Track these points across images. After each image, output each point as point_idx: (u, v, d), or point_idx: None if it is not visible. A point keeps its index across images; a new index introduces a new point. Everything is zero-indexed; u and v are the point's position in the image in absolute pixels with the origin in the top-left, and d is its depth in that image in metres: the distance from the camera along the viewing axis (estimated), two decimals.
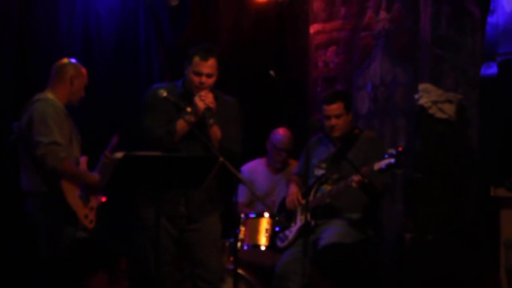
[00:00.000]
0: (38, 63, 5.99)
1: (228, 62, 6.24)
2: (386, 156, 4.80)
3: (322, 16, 6.93)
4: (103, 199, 4.96)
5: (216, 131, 4.67)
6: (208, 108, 4.60)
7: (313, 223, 5.11)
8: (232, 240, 5.39)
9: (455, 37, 5.83)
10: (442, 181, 5.60)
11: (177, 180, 4.21)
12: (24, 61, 6.07)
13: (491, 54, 5.76)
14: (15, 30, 6.02)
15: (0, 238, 5.76)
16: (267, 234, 5.45)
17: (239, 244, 5.40)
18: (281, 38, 7.03)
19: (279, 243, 5.31)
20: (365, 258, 3.10)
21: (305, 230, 4.90)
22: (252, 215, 5.56)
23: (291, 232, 5.26)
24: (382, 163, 4.79)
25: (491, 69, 5.75)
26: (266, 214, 5.50)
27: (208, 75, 4.69)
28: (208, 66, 4.69)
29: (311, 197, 5.15)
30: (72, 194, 4.74)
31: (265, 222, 5.49)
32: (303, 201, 5.15)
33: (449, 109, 5.63)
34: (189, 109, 4.65)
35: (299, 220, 5.23)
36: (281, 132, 6.11)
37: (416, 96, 5.68)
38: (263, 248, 5.44)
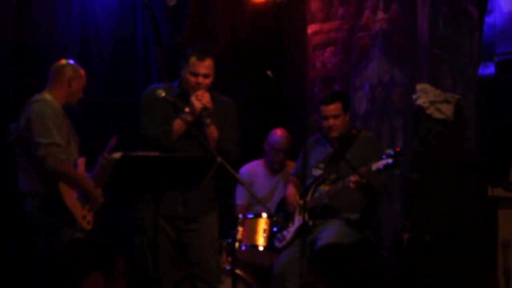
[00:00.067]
0: (35, 64, 5.98)
1: (226, 63, 6.24)
2: (384, 156, 4.81)
3: (319, 17, 6.93)
4: (101, 200, 4.96)
5: (213, 131, 4.67)
6: (205, 108, 4.61)
7: (311, 223, 5.11)
8: (230, 240, 5.39)
9: (452, 37, 5.83)
10: (440, 181, 5.59)
11: (175, 181, 4.21)
12: (21, 61, 6.06)
13: (488, 54, 5.76)
14: (12, 31, 6.02)
15: None
16: (265, 235, 5.45)
17: (237, 244, 5.41)
18: (279, 39, 7.03)
19: (277, 244, 5.31)
20: (363, 258, 3.11)
21: (303, 231, 4.91)
22: (250, 216, 5.56)
23: (289, 232, 5.26)
24: (380, 164, 4.80)
25: (489, 69, 5.75)
26: (264, 215, 5.50)
27: (205, 76, 4.69)
28: (205, 66, 4.69)
29: (309, 198, 5.15)
30: (70, 195, 4.74)
31: (263, 223, 5.49)
32: (301, 202, 5.15)
33: (447, 109, 5.63)
34: (187, 109, 4.65)
35: (297, 221, 5.23)
36: (278, 133, 6.10)
37: (414, 96, 5.68)
38: (261, 248, 5.44)
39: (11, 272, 5.69)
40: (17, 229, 5.53)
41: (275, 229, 5.38)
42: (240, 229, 5.49)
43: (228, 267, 5.34)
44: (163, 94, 4.67)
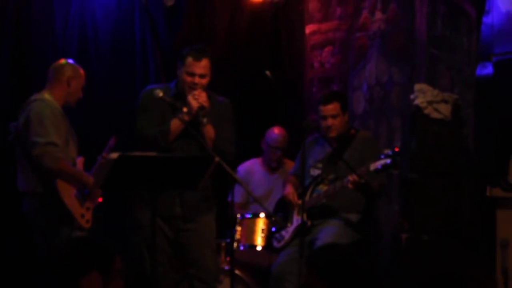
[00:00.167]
0: (35, 64, 5.98)
1: (224, 63, 6.24)
2: (382, 156, 4.81)
3: (317, 17, 6.93)
4: (100, 199, 4.96)
5: (209, 130, 4.67)
6: (201, 107, 4.61)
7: (309, 223, 5.11)
8: (228, 240, 5.39)
9: (450, 37, 5.84)
10: (438, 181, 5.60)
11: (173, 181, 4.21)
12: (21, 61, 6.06)
13: (486, 54, 5.76)
14: (12, 31, 6.01)
15: None
16: (263, 235, 5.45)
17: (235, 244, 5.41)
18: (277, 39, 7.03)
19: (275, 244, 5.31)
20: (361, 258, 3.11)
21: (301, 231, 4.90)
22: (248, 215, 5.56)
23: (288, 232, 5.26)
24: (378, 164, 4.80)
25: (487, 69, 5.75)
26: (262, 215, 5.50)
27: (201, 76, 4.69)
28: (201, 66, 4.69)
29: (307, 198, 5.15)
30: (68, 194, 4.74)
31: (261, 223, 5.49)
32: (299, 202, 5.15)
33: (445, 109, 5.64)
34: (185, 109, 4.65)
35: (296, 221, 5.22)
36: (276, 131, 6.11)
37: (412, 96, 5.69)
38: (259, 248, 5.44)
39: (10, 272, 5.68)
40: (16, 228, 5.53)
41: (273, 229, 5.38)
42: (239, 229, 5.49)
43: (226, 267, 5.34)
44: (160, 94, 4.67)
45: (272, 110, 6.52)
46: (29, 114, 4.74)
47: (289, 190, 5.31)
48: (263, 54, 6.90)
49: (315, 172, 5.24)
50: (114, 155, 3.95)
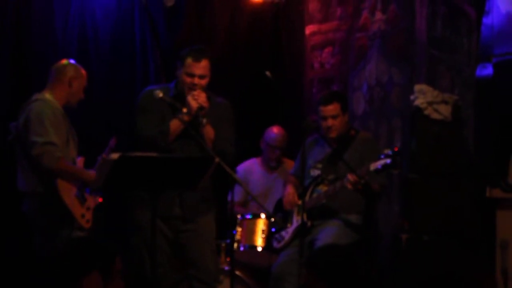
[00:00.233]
0: (35, 64, 5.98)
1: (224, 63, 6.24)
2: (382, 156, 4.81)
3: (317, 17, 6.93)
4: (100, 199, 4.96)
5: (209, 131, 4.67)
6: (201, 107, 4.61)
7: (309, 224, 5.11)
8: (228, 241, 5.39)
9: (450, 37, 5.84)
10: (438, 181, 5.60)
11: (173, 181, 4.21)
12: (21, 61, 6.05)
13: (486, 55, 5.77)
14: (12, 31, 6.01)
15: None
16: (263, 235, 5.45)
17: (235, 245, 5.41)
18: (277, 39, 7.02)
19: (275, 244, 5.31)
20: (361, 259, 3.11)
21: (301, 231, 4.90)
22: (249, 216, 5.56)
23: (287, 233, 5.26)
24: (378, 164, 4.80)
25: (487, 70, 5.76)
26: (263, 215, 5.50)
27: (201, 76, 4.70)
28: (201, 67, 4.69)
29: (307, 198, 5.15)
30: (68, 194, 4.74)
31: (261, 223, 5.49)
32: (299, 202, 5.15)
33: (445, 110, 5.64)
34: (185, 110, 4.65)
35: (295, 221, 5.23)
36: (275, 130, 6.11)
37: (412, 97, 5.69)
38: (259, 249, 5.44)
39: (10, 272, 5.68)
40: (16, 228, 5.53)
41: (273, 229, 5.39)
42: (239, 229, 5.49)
43: (226, 268, 5.34)
44: (160, 94, 4.68)
45: (272, 110, 6.52)
46: (29, 114, 4.74)
47: (289, 190, 5.31)
48: (263, 54, 6.90)
49: (315, 172, 5.24)
50: (115, 156, 3.95)
